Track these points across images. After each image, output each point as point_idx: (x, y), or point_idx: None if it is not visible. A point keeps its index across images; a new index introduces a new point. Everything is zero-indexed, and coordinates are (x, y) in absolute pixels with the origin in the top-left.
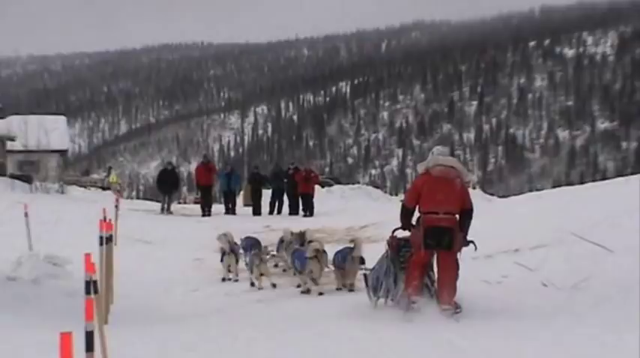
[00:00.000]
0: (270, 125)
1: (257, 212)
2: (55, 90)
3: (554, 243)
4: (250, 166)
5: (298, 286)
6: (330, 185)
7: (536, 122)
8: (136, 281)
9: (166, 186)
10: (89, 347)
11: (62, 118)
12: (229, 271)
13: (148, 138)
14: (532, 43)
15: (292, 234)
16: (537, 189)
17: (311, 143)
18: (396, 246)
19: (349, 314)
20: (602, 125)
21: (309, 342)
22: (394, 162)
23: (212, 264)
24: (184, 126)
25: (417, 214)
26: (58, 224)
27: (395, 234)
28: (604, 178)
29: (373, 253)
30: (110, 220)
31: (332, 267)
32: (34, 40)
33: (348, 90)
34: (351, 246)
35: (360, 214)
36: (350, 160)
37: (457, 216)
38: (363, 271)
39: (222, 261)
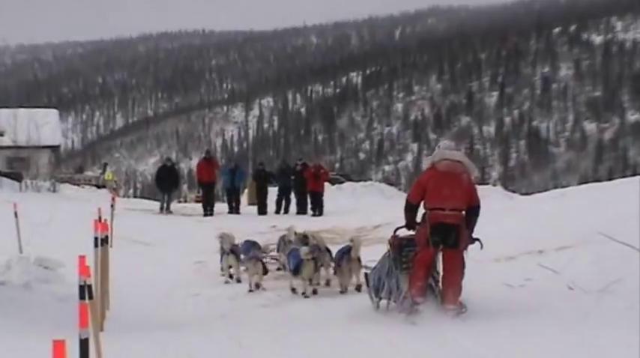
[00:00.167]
0: (276, 118)
1: (262, 211)
2: (46, 81)
3: (580, 244)
4: (255, 162)
5: (293, 290)
6: (341, 182)
7: (562, 114)
8: (134, 285)
9: (165, 184)
10: (84, 355)
11: (54, 112)
12: (230, 272)
13: (145, 133)
14: (557, 29)
15: (296, 233)
16: (563, 186)
17: (320, 137)
18: (398, 245)
19: (353, 316)
20: (633, 117)
21: (314, 346)
22: (409, 158)
23: (214, 266)
24: (184, 120)
25: (422, 211)
26: (49, 225)
27: (397, 233)
28: (634, 174)
29: None
30: (105, 220)
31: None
32: (24, 29)
33: (360, 80)
34: (350, 245)
35: (372, 213)
36: (362, 156)
37: (464, 212)
38: (364, 270)
39: (221, 261)
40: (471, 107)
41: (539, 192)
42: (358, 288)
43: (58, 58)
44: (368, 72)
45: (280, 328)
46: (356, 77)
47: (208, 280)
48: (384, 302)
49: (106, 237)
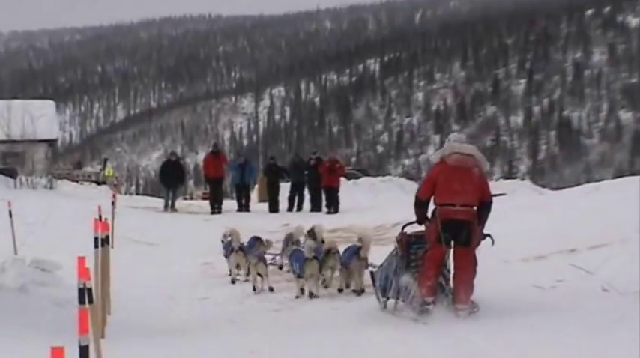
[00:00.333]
0: (288, 109)
1: (274, 209)
2: (42, 71)
3: (616, 242)
4: (266, 156)
5: (302, 291)
6: (358, 177)
7: (595, 103)
8: (136, 288)
9: (170, 180)
10: None
11: (50, 103)
12: (238, 270)
13: (148, 126)
14: (589, 12)
15: (308, 233)
16: (596, 180)
17: (335, 129)
18: (406, 242)
19: (366, 318)
20: None
21: (326, 351)
22: (430, 151)
23: (222, 268)
24: (190, 111)
25: (432, 207)
26: (46, 224)
27: (405, 230)
28: None
29: None
30: (106, 219)
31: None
32: (17, 14)
33: (377, 68)
34: (359, 244)
35: (391, 210)
36: (380, 148)
37: (475, 208)
38: (370, 269)
39: (227, 258)
40: (497, 96)
41: (570, 186)
42: (360, 293)
43: (55, 46)
44: (386, 59)
45: (292, 333)
46: (373, 64)
47: (216, 282)
48: (391, 301)
49: (107, 236)
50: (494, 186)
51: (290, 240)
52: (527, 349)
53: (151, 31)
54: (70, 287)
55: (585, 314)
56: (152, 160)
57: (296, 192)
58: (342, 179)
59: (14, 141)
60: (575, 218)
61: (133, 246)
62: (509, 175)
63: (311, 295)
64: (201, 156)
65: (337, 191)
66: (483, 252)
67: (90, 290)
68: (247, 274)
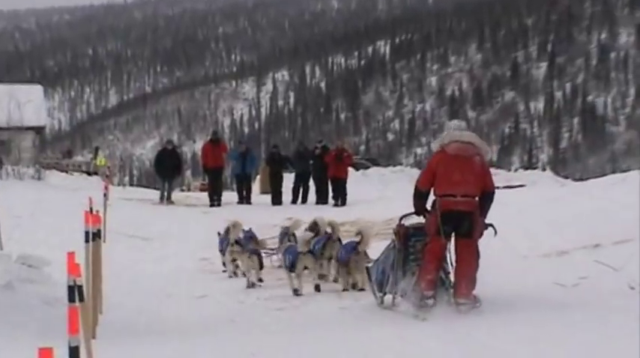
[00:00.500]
0: (292, 94)
1: (277, 201)
2: (29, 53)
3: None
4: (269, 145)
5: (295, 291)
6: (367, 167)
7: (621, 87)
8: (130, 285)
9: (166, 170)
10: None
11: (38, 88)
12: (234, 264)
13: (143, 112)
14: None
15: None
16: (622, 170)
17: (342, 116)
18: (404, 235)
19: (376, 316)
20: None
21: (332, 352)
22: None
23: (221, 264)
24: (187, 97)
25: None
26: (34, 217)
27: (402, 221)
28: None
29: None
30: (98, 212)
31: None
32: None
33: (388, 50)
34: (357, 239)
35: (402, 203)
36: (390, 137)
37: (477, 198)
38: (365, 264)
39: (221, 252)
40: (516, 80)
41: (595, 177)
42: (361, 289)
43: (42, 27)
44: (397, 40)
45: (295, 333)
46: (383, 47)
47: (215, 279)
48: (389, 297)
49: (99, 230)
50: (513, 177)
51: (287, 234)
52: (538, 345)
53: (145, 11)
54: (59, 285)
55: (609, 313)
56: (147, 149)
57: (300, 183)
58: (350, 169)
59: None
60: (600, 211)
61: (127, 240)
62: (529, 165)
63: (296, 292)
64: (199, 145)
65: (345, 182)
66: (501, 246)
67: (80, 287)
68: (236, 267)
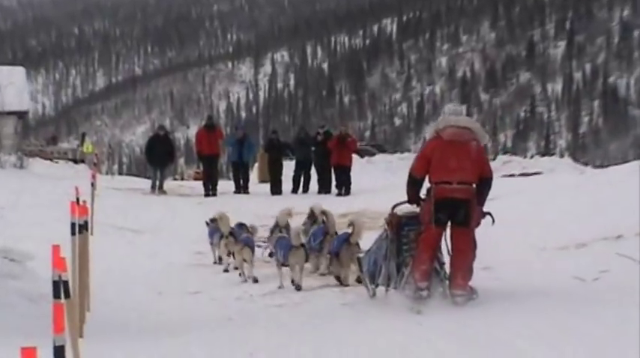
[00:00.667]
0: (292, 76)
1: (276, 190)
2: (10, 33)
3: None
4: (267, 130)
5: (297, 287)
6: (372, 154)
7: None
8: (120, 281)
9: (158, 158)
10: None
11: (20, 70)
12: (229, 258)
13: (132, 95)
14: None
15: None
16: None
17: (346, 99)
18: (396, 224)
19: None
20: None
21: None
22: None
23: (218, 259)
24: (180, 79)
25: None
26: (16, 208)
27: (395, 210)
28: None
29: None
30: (85, 202)
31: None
32: None
33: (395, 29)
34: (349, 231)
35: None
36: (397, 121)
37: (474, 185)
38: (356, 255)
39: (212, 245)
40: (532, 60)
41: (616, 164)
42: (359, 280)
43: (24, 5)
44: (405, 18)
45: (296, 332)
46: (390, 25)
47: (210, 274)
48: (381, 289)
49: (86, 222)
50: (529, 164)
51: (277, 226)
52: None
53: None
54: (43, 280)
55: (631, 309)
56: (137, 135)
57: (302, 171)
58: (355, 156)
59: None
60: (622, 200)
61: (116, 232)
62: (546, 152)
63: (293, 282)
64: (193, 131)
65: (349, 170)
66: (516, 238)
67: (66, 283)
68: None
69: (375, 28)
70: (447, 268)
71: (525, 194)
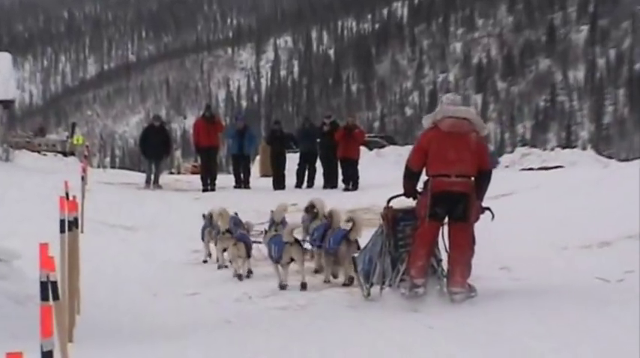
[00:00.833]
0: (296, 63)
1: (279, 185)
2: None
3: None
4: (270, 121)
5: (281, 287)
6: (381, 146)
7: None
8: (112, 282)
9: (153, 150)
10: None
11: (6, 56)
12: (225, 256)
13: (126, 84)
14: None
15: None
16: None
17: (354, 88)
18: (392, 218)
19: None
20: None
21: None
22: None
23: (215, 257)
24: (177, 66)
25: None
26: (2, 204)
27: (391, 204)
28: None
29: None
30: (75, 198)
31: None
32: None
33: (406, 13)
34: (348, 227)
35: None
36: (408, 111)
37: (473, 178)
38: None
39: (203, 240)
40: (552, 46)
41: None
42: (350, 281)
43: None
44: (416, 1)
45: (300, 336)
46: (400, 8)
47: (208, 274)
48: (376, 288)
49: (76, 219)
50: (550, 156)
51: (273, 223)
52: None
53: None
54: (30, 280)
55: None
56: (131, 126)
57: (306, 164)
58: (363, 148)
59: None
60: None
61: (108, 230)
62: (568, 143)
63: (283, 286)
64: (190, 121)
65: (356, 163)
66: (535, 236)
67: (55, 283)
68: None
69: (385, 11)
70: (444, 265)
71: (545, 189)
